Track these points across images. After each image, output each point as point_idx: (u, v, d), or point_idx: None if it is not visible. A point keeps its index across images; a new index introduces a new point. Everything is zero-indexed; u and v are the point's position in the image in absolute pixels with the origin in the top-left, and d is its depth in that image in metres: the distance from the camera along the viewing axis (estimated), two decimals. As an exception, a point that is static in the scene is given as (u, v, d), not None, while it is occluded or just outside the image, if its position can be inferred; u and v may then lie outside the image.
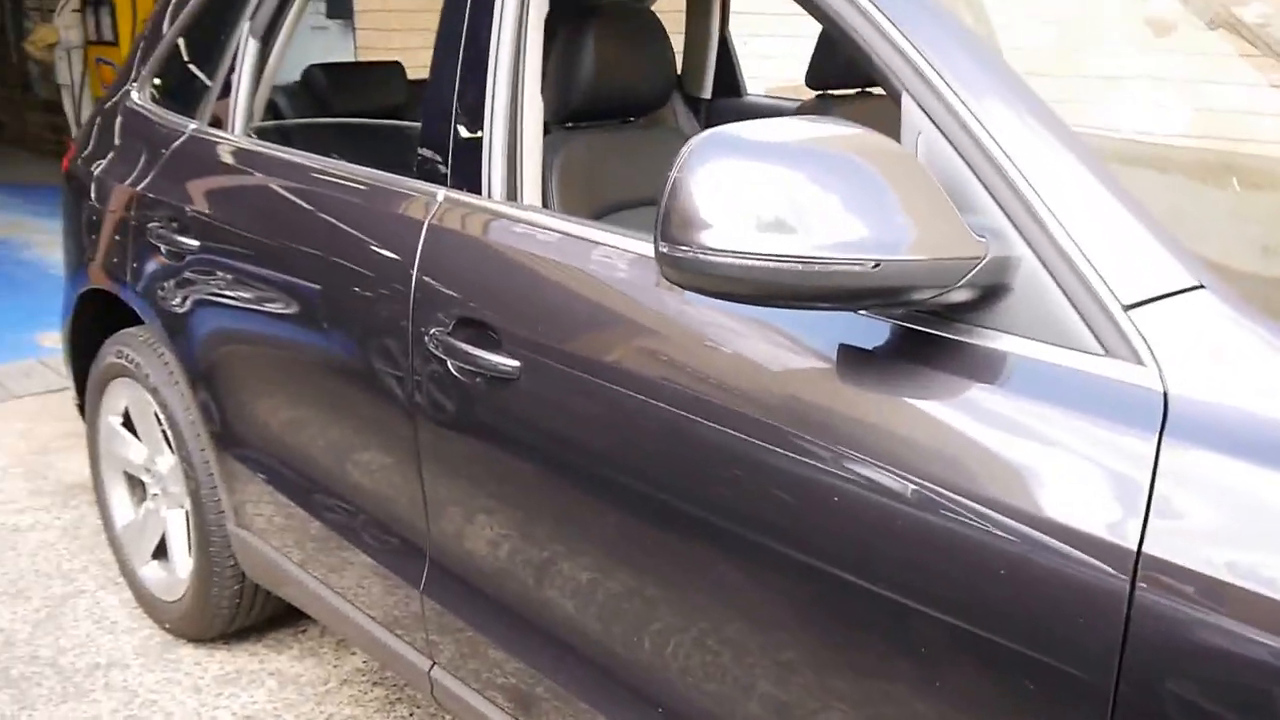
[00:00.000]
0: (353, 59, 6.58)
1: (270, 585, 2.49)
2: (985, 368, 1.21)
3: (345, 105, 3.16)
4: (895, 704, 1.28)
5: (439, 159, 1.88)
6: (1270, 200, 2.04)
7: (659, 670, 1.56)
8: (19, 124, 10.51)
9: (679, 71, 3.04)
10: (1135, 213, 1.20)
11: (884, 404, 1.26)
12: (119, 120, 2.81)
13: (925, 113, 1.26)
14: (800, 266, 1.12)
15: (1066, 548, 1.12)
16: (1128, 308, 1.16)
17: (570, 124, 2.29)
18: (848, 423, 1.27)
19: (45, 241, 3.90)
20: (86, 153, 2.87)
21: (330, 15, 7.17)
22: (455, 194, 1.86)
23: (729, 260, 1.13)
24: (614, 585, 1.59)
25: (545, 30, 1.85)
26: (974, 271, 1.17)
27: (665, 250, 1.18)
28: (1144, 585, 1.07)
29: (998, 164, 1.22)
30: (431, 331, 1.79)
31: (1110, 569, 1.09)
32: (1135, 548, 1.09)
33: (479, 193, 1.82)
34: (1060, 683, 1.13)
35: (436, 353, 1.77)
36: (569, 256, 1.65)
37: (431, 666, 2.00)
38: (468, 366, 1.72)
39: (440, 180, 1.89)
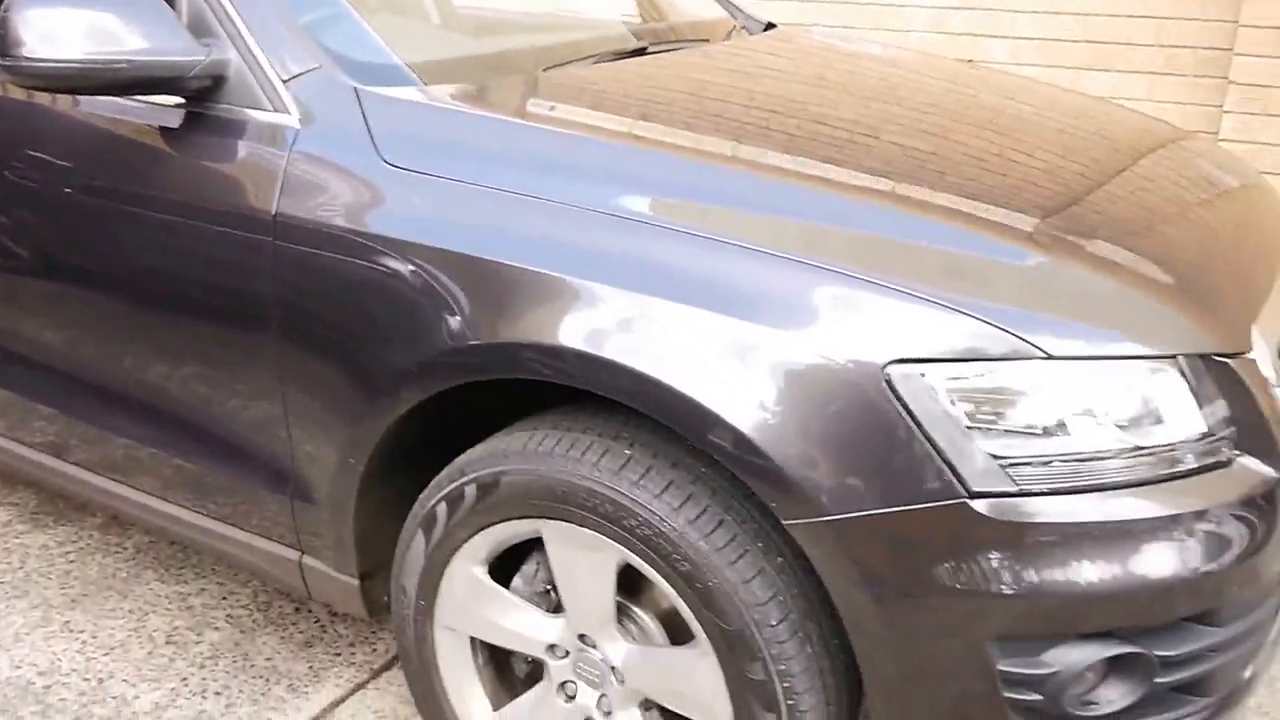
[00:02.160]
0: None
1: None
2: (231, 125, 1.88)
3: None
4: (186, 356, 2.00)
5: None
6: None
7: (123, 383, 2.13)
8: None
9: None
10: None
11: (174, 158, 1.94)
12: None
13: None
14: (104, 66, 1.79)
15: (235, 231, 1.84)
16: (285, 81, 1.83)
17: None
18: (173, 174, 1.93)
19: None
20: None
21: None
22: None
23: (57, 64, 1.79)
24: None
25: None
26: (200, 66, 1.84)
27: (9, 64, 1.80)
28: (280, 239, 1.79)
29: (219, 5, 1.89)
30: None
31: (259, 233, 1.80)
32: (273, 213, 1.75)
33: None
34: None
35: None
36: None
37: None
38: None
39: None
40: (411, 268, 1.68)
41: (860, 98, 2.27)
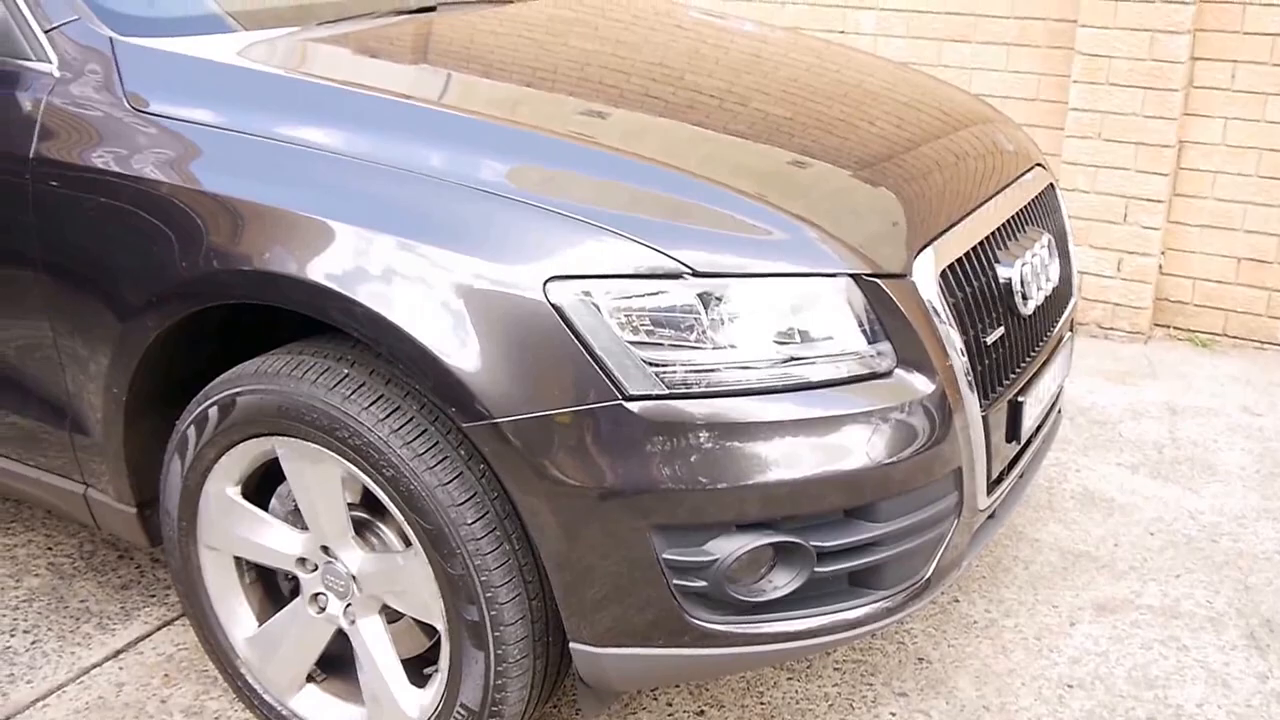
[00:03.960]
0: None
1: None
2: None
3: None
4: None
5: None
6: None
7: None
8: None
9: None
10: None
11: None
12: None
13: None
14: None
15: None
16: (46, 31, 2.02)
17: None
18: None
19: None
20: None
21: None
22: None
23: None
24: None
25: None
26: None
27: None
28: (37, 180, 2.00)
29: None
30: None
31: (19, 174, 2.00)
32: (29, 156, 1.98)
33: None
34: None
35: None
36: None
37: None
38: None
39: None
40: (152, 205, 1.87)
41: (651, 54, 2.49)
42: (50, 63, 2.01)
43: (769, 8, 4.62)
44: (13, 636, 2.44)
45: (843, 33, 4.52)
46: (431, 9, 2.57)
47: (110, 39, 2.00)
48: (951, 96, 2.63)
